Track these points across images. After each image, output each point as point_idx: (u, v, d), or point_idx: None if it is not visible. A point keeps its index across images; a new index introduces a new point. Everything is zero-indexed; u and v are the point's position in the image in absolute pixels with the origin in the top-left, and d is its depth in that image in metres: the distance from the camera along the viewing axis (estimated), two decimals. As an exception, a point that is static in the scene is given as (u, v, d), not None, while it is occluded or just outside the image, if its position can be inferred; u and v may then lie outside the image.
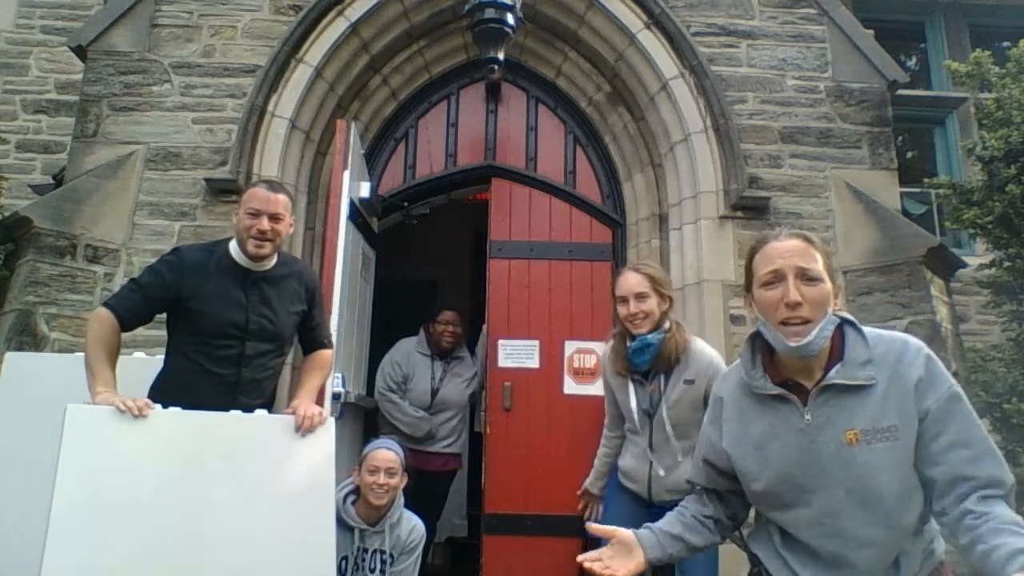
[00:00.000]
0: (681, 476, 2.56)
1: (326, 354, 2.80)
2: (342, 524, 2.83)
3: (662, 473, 2.63)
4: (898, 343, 1.54)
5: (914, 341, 1.54)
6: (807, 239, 1.56)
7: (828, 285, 1.51)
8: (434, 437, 4.08)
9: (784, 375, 1.57)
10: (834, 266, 1.59)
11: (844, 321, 1.57)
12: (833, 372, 1.51)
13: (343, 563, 2.82)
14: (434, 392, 4.10)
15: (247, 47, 4.39)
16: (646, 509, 2.69)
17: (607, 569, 1.60)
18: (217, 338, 2.47)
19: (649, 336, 2.60)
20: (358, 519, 2.91)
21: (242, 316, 2.49)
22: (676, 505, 2.59)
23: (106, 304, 2.47)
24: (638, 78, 4.61)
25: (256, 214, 2.47)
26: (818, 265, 1.51)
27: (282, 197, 2.54)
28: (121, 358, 2.46)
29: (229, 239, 2.60)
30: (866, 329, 1.57)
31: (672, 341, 2.59)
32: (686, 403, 2.57)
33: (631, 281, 2.64)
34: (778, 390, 1.56)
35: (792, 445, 1.54)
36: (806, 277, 1.50)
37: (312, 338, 2.77)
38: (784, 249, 1.54)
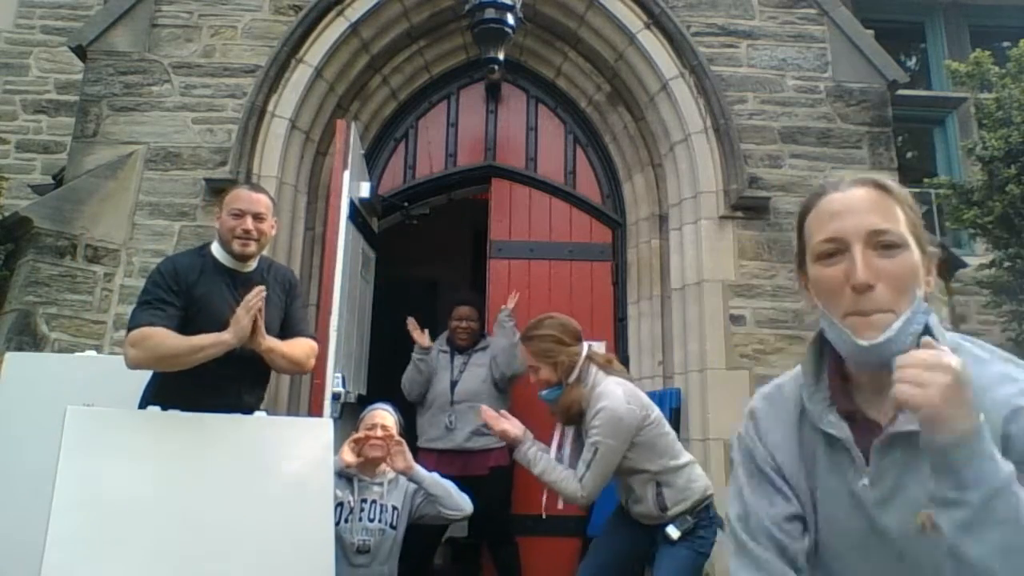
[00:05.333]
0: (645, 504, 2.57)
1: (308, 340, 2.71)
2: (341, 475, 2.88)
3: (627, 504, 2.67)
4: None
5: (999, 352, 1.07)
6: (882, 186, 1.08)
7: (915, 254, 1.03)
8: (452, 426, 3.89)
9: (854, 403, 1.09)
10: (922, 225, 1.09)
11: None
12: (901, 417, 1.00)
13: (338, 509, 2.83)
14: (453, 384, 4.03)
15: (247, 47, 4.39)
16: (636, 523, 2.69)
17: None
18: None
19: (544, 392, 2.66)
20: (356, 470, 2.94)
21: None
22: (657, 528, 2.59)
23: (137, 325, 2.33)
24: (638, 78, 4.61)
25: (240, 214, 2.47)
26: (899, 225, 1.04)
27: (264, 197, 2.57)
28: (118, 358, 2.43)
29: (210, 243, 2.61)
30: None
31: (567, 397, 2.58)
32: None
33: (524, 355, 2.71)
34: (833, 428, 1.08)
35: (843, 511, 1.07)
36: (881, 244, 1.02)
37: (293, 331, 2.68)
38: (848, 203, 1.06)
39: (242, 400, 2.50)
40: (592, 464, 2.47)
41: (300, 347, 2.60)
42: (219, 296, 2.47)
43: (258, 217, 2.49)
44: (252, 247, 2.50)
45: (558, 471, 2.54)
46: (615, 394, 2.52)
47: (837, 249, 1.06)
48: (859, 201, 1.06)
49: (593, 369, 2.63)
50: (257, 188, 2.66)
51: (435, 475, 3.01)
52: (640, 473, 2.56)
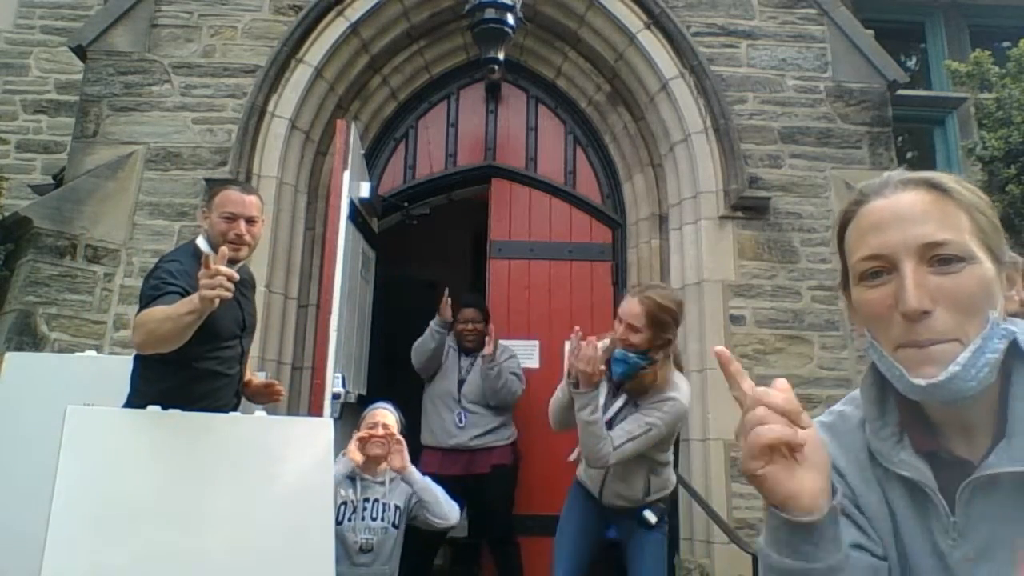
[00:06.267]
0: (632, 487, 2.63)
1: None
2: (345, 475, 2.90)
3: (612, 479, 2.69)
4: None
5: None
6: (937, 186, 0.87)
7: (986, 267, 0.83)
8: (463, 424, 3.90)
9: (935, 438, 0.89)
10: (997, 230, 0.88)
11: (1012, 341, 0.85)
12: (994, 455, 0.83)
13: (342, 508, 2.85)
14: (460, 383, 4.03)
15: (247, 47, 4.39)
16: (596, 509, 2.76)
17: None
18: (227, 340, 2.46)
19: (630, 354, 2.51)
20: (359, 468, 2.93)
21: (240, 314, 2.51)
22: (628, 513, 2.65)
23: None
24: (638, 78, 4.61)
25: (232, 218, 2.43)
26: (961, 234, 0.84)
27: (255, 199, 2.52)
28: (118, 358, 2.44)
29: (194, 240, 2.54)
30: None
31: (649, 375, 2.52)
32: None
33: (631, 311, 2.50)
34: (907, 469, 0.88)
35: (927, 572, 0.87)
36: (938, 258, 0.83)
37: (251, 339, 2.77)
38: (895, 211, 0.87)
39: (236, 399, 2.52)
40: (636, 440, 2.49)
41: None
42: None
43: (251, 220, 2.46)
44: (244, 251, 2.47)
45: (604, 429, 2.50)
46: (685, 390, 2.59)
47: (882, 267, 0.86)
48: (908, 207, 0.86)
49: (671, 357, 2.66)
50: (248, 189, 2.60)
51: (427, 480, 2.98)
52: (644, 458, 2.61)
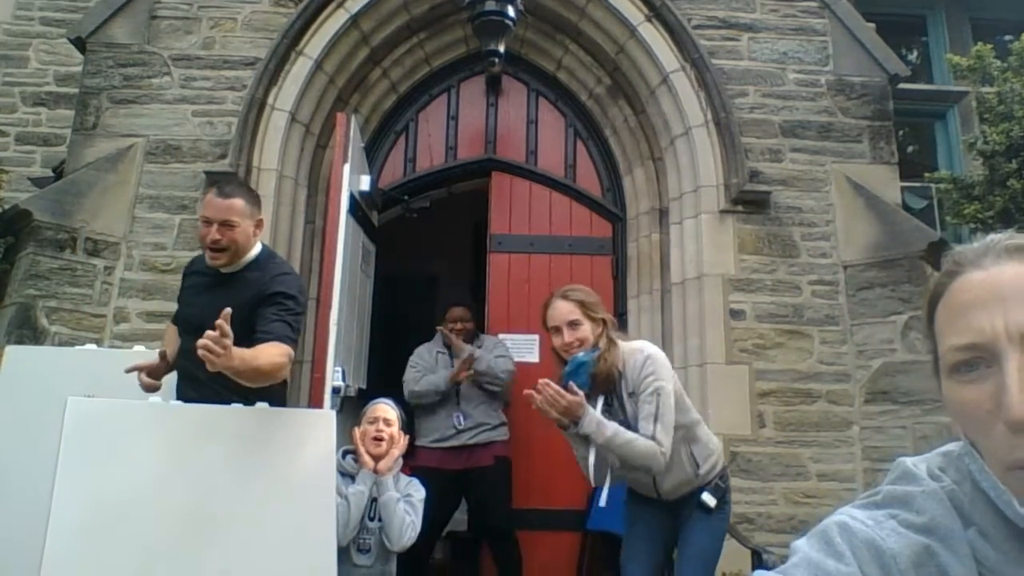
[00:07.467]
0: (680, 473, 2.52)
1: (271, 345, 2.32)
2: (344, 473, 2.85)
3: (661, 482, 2.58)
4: None
5: None
6: None
7: None
8: (462, 426, 3.86)
9: None
10: None
11: None
12: None
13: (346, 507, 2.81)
14: (456, 384, 3.99)
15: (247, 39, 4.38)
16: (660, 514, 2.64)
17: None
18: (186, 333, 2.51)
19: (580, 355, 2.43)
20: (355, 466, 2.90)
21: (197, 312, 2.48)
22: (690, 498, 2.53)
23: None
24: (639, 71, 4.60)
25: (208, 222, 2.46)
26: None
27: (235, 202, 2.47)
28: (118, 352, 2.46)
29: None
30: None
31: (612, 356, 2.46)
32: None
33: (562, 310, 2.50)
34: None
35: None
36: None
37: (257, 338, 2.33)
38: (995, 287, 0.70)
39: (208, 400, 2.39)
40: (659, 414, 2.38)
41: (264, 352, 2.24)
42: (193, 293, 2.62)
43: (226, 224, 2.44)
44: (221, 258, 2.48)
45: (629, 433, 2.38)
46: (644, 344, 2.56)
47: (978, 358, 0.68)
48: (1012, 284, 0.69)
49: (615, 334, 2.57)
50: (227, 193, 2.52)
51: (394, 499, 2.84)
52: (676, 430, 2.47)
